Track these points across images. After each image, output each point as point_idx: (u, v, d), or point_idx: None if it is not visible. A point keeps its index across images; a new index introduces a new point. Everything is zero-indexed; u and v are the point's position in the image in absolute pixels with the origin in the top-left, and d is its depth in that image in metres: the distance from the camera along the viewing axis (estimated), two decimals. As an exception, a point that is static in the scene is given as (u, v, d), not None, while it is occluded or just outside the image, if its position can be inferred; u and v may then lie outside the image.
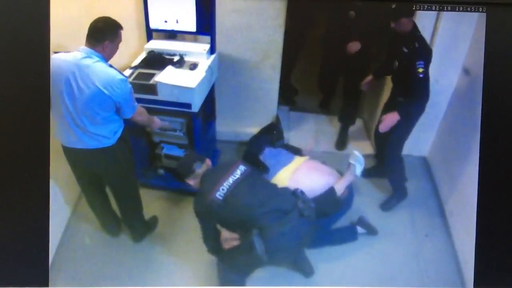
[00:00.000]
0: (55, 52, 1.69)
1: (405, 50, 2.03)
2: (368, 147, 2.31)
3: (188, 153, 2.05)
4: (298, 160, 2.10)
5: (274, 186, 1.86)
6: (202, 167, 1.82)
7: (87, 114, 1.75)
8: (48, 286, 1.60)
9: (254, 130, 2.19)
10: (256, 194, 1.77)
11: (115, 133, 1.84)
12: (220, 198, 1.74)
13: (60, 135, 1.79)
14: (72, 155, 1.84)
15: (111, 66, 1.78)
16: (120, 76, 1.76)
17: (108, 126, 1.82)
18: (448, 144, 2.09)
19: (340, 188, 1.94)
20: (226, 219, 1.77)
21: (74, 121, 1.76)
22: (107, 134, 1.82)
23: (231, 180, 1.78)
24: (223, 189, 1.75)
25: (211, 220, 1.79)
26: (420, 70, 1.99)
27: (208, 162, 1.85)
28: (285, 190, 1.85)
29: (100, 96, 1.73)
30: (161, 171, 2.18)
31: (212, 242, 1.82)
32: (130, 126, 1.91)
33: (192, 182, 1.83)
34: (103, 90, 1.73)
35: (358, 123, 2.39)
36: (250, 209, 1.74)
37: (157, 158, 2.16)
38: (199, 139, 2.11)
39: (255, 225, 1.72)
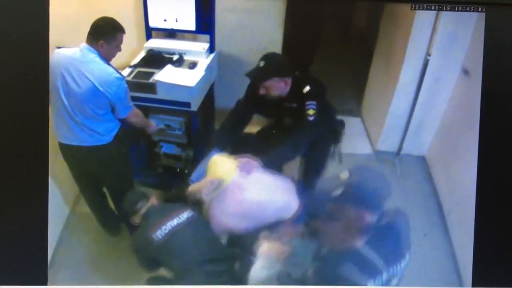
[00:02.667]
0: (58, 47, 1.70)
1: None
2: (366, 146, 2.31)
3: (131, 191, 1.90)
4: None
5: (216, 239, 1.77)
6: (147, 205, 1.78)
7: (81, 109, 1.77)
8: (46, 284, 1.60)
9: (253, 129, 2.19)
10: (196, 246, 1.70)
11: (111, 131, 1.85)
12: (160, 237, 1.69)
13: (57, 130, 1.80)
14: (68, 152, 1.85)
15: (109, 64, 1.79)
16: (117, 75, 1.77)
17: (104, 124, 1.82)
18: (447, 144, 2.10)
19: None
20: (160, 260, 1.71)
21: (69, 116, 1.78)
22: (102, 132, 1.83)
23: (175, 221, 1.71)
24: (165, 229, 1.69)
25: (149, 258, 1.73)
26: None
27: (153, 200, 1.80)
28: (224, 247, 1.77)
29: (94, 92, 1.75)
30: (159, 170, 2.18)
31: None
32: (129, 127, 1.91)
33: (137, 220, 1.78)
34: (98, 87, 1.74)
35: (356, 121, 2.39)
36: (186, 260, 1.68)
37: (156, 157, 2.16)
38: (198, 138, 2.11)
39: (186, 277, 1.67)
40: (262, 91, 1.87)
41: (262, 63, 1.85)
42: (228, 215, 1.76)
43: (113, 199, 1.97)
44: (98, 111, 1.78)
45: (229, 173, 1.80)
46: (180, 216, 1.73)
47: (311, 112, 1.84)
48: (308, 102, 1.84)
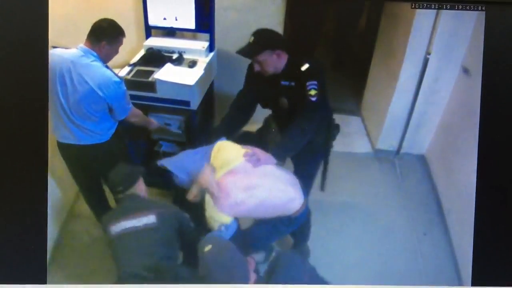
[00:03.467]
0: (54, 47, 1.70)
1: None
2: (366, 145, 2.31)
3: (122, 167, 1.82)
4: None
5: (162, 257, 1.68)
6: (128, 192, 1.72)
7: (79, 111, 1.77)
8: (46, 283, 1.59)
9: (252, 128, 2.19)
10: (136, 256, 1.66)
11: (109, 129, 1.85)
12: (113, 233, 1.68)
13: (55, 130, 1.80)
14: (67, 151, 1.85)
15: (107, 67, 1.79)
16: (115, 78, 1.77)
17: (102, 123, 1.83)
18: (447, 142, 2.10)
19: None
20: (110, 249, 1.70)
21: (67, 116, 1.78)
22: (100, 131, 1.83)
23: (131, 223, 1.68)
24: (119, 226, 1.67)
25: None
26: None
27: (140, 186, 1.75)
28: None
29: (93, 95, 1.75)
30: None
31: None
32: (127, 125, 1.91)
33: (114, 203, 1.76)
34: (96, 91, 1.74)
35: (356, 120, 2.39)
36: (120, 263, 1.66)
37: (156, 155, 2.15)
38: (198, 136, 2.11)
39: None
40: (256, 68, 1.83)
41: (252, 38, 1.82)
42: (236, 191, 1.73)
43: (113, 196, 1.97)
44: (95, 113, 1.79)
45: (237, 158, 1.78)
46: (140, 219, 1.69)
47: (313, 92, 1.79)
48: (309, 83, 1.79)
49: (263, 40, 1.82)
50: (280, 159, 1.81)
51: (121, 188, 1.74)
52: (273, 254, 1.83)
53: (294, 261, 1.71)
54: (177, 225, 1.73)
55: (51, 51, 1.68)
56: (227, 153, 1.81)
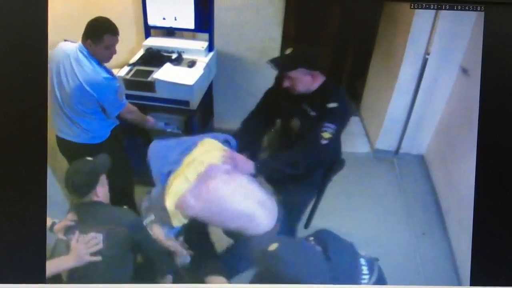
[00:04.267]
0: (65, 40, 1.75)
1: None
2: (365, 145, 2.31)
3: (82, 165, 1.70)
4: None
5: None
6: (90, 199, 1.66)
7: (70, 106, 1.78)
8: (45, 282, 1.59)
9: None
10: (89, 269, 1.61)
11: (102, 130, 1.85)
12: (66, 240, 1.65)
13: (54, 123, 1.81)
14: (65, 147, 1.86)
15: (99, 64, 1.79)
16: (105, 75, 1.78)
17: (95, 122, 1.84)
18: (446, 142, 2.10)
19: None
20: None
21: (62, 110, 1.78)
22: (92, 130, 1.84)
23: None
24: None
25: None
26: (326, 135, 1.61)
27: (99, 190, 1.64)
28: None
29: (82, 92, 1.76)
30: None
31: None
32: (126, 124, 1.91)
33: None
34: (85, 87, 1.75)
35: (355, 120, 2.39)
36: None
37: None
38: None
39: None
40: (286, 83, 1.69)
41: (289, 51, 1.68)
42: (191, 196, 1.65)
43: (115, 196, 1.97)
44: (85, 109, 1.79)
45: (217, 158, 1.73)
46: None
47: (326, 135, 1.67)
48: (327, 123, 1.66)
49: (301, 55, 1.69)
50: (257, 173, 1.69)
51: (85, 191, 1.67)
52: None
53: (333, 237, 1.64)
54: (128, 245, 1.66)
55: (59, 45, 1.73)
56: (208, 152, 1.73)
